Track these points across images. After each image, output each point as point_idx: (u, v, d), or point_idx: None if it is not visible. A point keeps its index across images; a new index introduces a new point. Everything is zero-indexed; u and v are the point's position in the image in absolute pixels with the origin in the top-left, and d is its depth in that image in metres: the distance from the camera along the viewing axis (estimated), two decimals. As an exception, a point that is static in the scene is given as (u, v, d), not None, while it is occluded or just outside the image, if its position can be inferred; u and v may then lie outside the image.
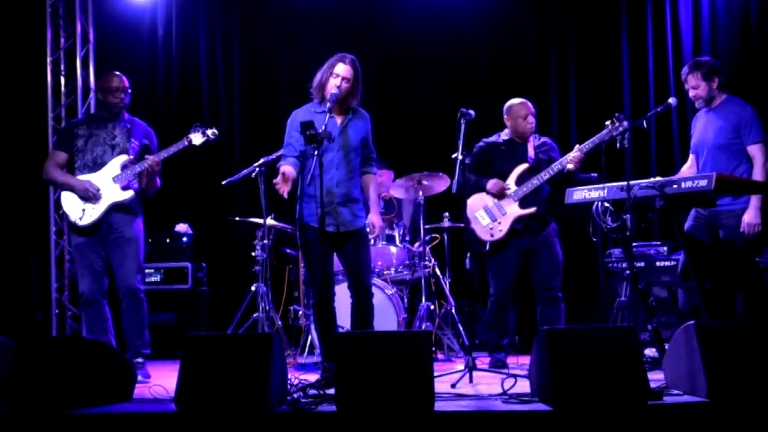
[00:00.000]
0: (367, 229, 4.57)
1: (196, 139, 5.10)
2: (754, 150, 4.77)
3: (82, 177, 4.98)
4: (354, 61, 4.49)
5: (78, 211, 4.96)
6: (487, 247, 5.20)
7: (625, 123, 4.99)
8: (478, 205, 5.26)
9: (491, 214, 5.21)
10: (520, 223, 5.20)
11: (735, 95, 5.03)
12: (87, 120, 5.24)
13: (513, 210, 5.19)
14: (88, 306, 4.96)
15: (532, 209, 5.19)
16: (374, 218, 4.62)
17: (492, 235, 5.19)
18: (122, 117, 5.12)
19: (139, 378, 4.61)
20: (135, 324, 4.97)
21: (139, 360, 4.94)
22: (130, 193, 4.97)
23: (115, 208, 4.96)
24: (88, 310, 4.97)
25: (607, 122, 5.03)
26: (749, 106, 4.89)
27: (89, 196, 4.92)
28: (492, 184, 5.22)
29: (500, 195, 5.22)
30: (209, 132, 5.14)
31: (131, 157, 5.01)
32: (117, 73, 5.13)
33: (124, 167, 4.98)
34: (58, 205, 7.19)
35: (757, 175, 4.69)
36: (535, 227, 5.23)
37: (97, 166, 4.99)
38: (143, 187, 5.09)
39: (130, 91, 5.13)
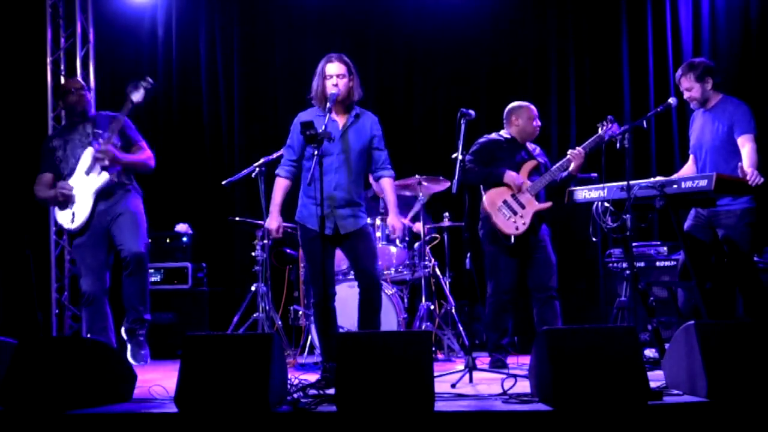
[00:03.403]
0: (386, 231, 4.55)
1: (136, 96, 4.94)
2: (743, 140, 4.76)
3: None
4: (341, 57, 4.51)
5: (68, 216, 4.97)
6: (512, 240, 5.19)
7: (615, 124, 5.05)
8: (497, 200, 5.24)
9: (511, 209, 5.20)
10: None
11: (735, 95, 5.03)
12: (59, 131, 5.25)
13: (531, 204, 5.19)
14: (89, 304, 4.95)
15: (549, 204, 5.21)
16: (393, 220, 4.64)
17: (517, 229, 5.17)
18: (89, 115, 5.09)
19: (139, 362, 4.75)
20: (138, 289, 4.95)
21: (141, 332, 4.94)
22: (105, 176, 4.91)
23: (101, 196, 4.94)
24: (88, 309, 4.96)
25: (599, 124, 5.09)
26: (744, 105, 4.89)
27: (66, 199, 4.91)
28: (511, 176, 5.20)
29: (516, 189, 5.21)
30: (143, 84, 4.94)
31: (97, 147, 4.94)
32: (74, 78, 5.15)
33: (95, 159, 4.92)
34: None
35: (745, 164, 4.66)
36: (537, 226, 5.23)
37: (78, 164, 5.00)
38: (125, 168, 5.02)
39: (88, 88, 5.13)
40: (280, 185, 4.64)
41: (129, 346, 5.00)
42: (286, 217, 4.71)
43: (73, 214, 4.96)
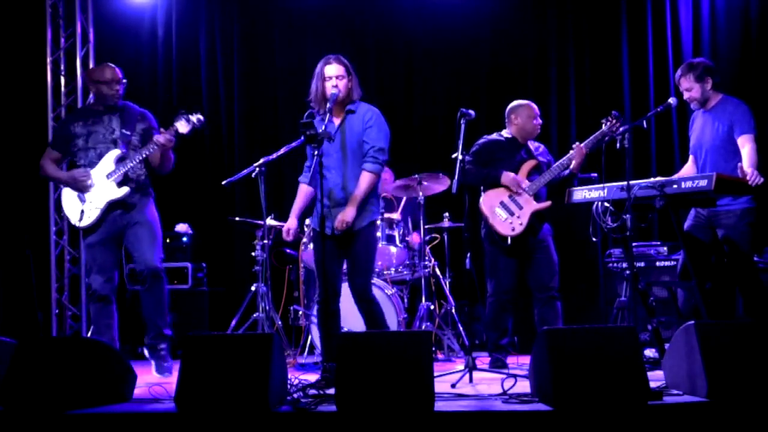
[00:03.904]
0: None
1: (182, 127, 4.87)
2: (743, 140, 4.75)
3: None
4: (339, 58, 4.50)
5: (77, 212, 4.95)
6: (509, 242, 5.19)
7: (620, 121, 5.03)
8: (494, 201, 5.24)
9: (508, 209, 5.19)
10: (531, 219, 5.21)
11: (735, 95, 5.03)
12: (83, 115, 5.15)
13: (529, 204, 5.19)
14: (96, 302, 4.95)
15: (547, 204, 5.20)
16: (343, 212, 4.37)
17: (513, 230, 5.16)
18: (117, 107, 5.04)
19: (164, 375, 4.77)
20: (156, 304, 4.96)
21: (162, 346, 4.93)
22: (125, 189, 4.91)
23: (114, 205, 4.93)
24: (96, 306, 4.96)
25: (603, 120, 5.07)
26: (744, 104, 4.88)
27: (82, 185, 4.89)
28: (508, 177, 5.20)
29: (514, 190, 5.21)
30: (194, 118, 4.88)
31: (123, 151, 4.94)
32: (110, 64, 5.03)
33: (118, 161, 4.92)
34: (58, 205, 7.20)
35: (745, 164, 4.66)
36: (537, 226, 5.23)
37: (100, 160, 4.95)
38: (156, 165, 5.02)
39: (125, 81, 5.03)
40: (300, 191, 4.70)
41: (153, 363, 4.99)
42: (287, 217, 4.72)
43: (82, 212, 4.94)
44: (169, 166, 5.08)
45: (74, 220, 4.97)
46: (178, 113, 4.93)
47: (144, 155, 4.89)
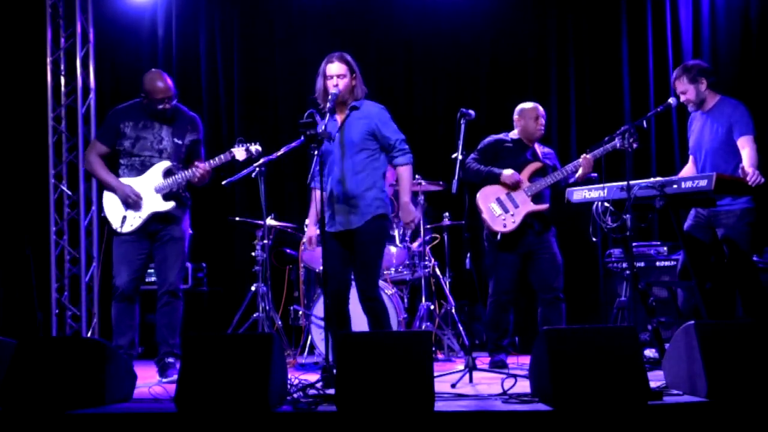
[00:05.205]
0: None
1: (239, 153, 5.02)
2: (743, 141, 4.74)
3: (125, 180, 4.94)
4: (342, 56, 4.49)
5: (118, 218, 4.93)
6: (498, 237, 5.19)
7: (636, 137, 4.98)
8: (490, 197, 5.25)
9: (503, 206, 5.20)
10: (529, 219, 5.21)
11: (735, 95, 5.03)
12: (134, 114, 5.01)
13: (526, 205, 5.19)
14: (121, 301, 4.92)
15: (545, 206, 5.21)
16: (403, 212, 4.53)
17: (505, 226, 5.17)
18: (167, 117, 4.99)
19: (173, 377, 4.70)
20: (170, 323, 4.95)
21: (170, 360, 4.90)
22: (171, 204, 4.92)
23: (157, 215, 4.93)
24: (120, 305, 4.93)
25: (617, 134, 5.02)
26: (742, 105, 4.88)
27: (129, 202, 4.89)
28: (509, 174, 5.21)
29: (513, 187, 5.21)
30: (252, 148, 5.05)
31: (174, 163, 4.95)
32: (162, 76, 4.93)
33: (166, 174, 4.93)
34: (58, 205, 7.26)
35: (746, 164, 4.64)
36: (538, 227, 5.24)
37: (144, 168, 4.95)
38: (195, 183, 5.03)
39: (176, 91, 4.98)
40: (314, 196, 4.66)
41: (158, 369, 4.98)
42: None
43: (124, 218, 4.92)
44: (207, 181, 5.10)
45: (116, 224, 4.93)
46: (237, 141, 5.09)
47: (190, 177, 4.94)
